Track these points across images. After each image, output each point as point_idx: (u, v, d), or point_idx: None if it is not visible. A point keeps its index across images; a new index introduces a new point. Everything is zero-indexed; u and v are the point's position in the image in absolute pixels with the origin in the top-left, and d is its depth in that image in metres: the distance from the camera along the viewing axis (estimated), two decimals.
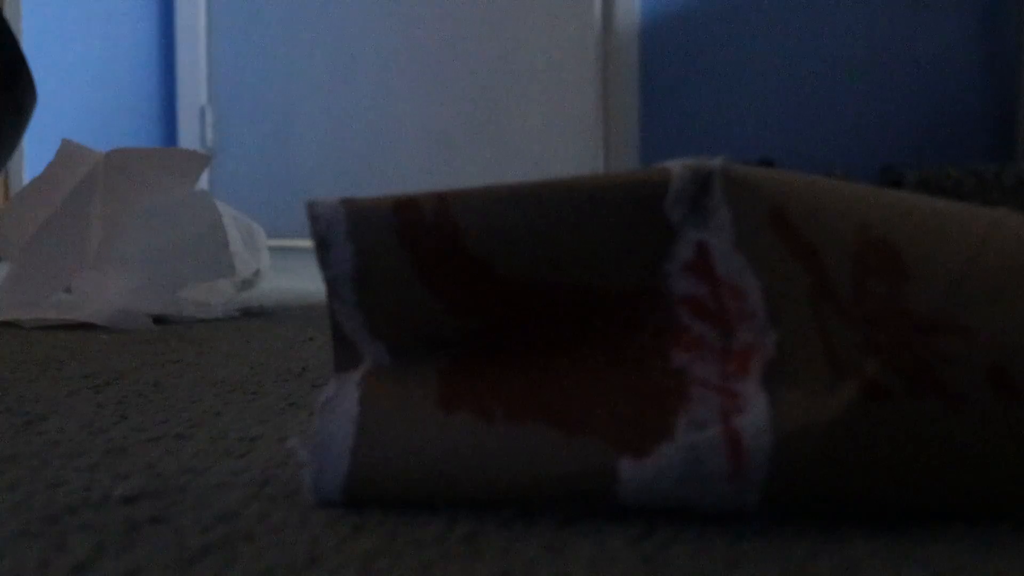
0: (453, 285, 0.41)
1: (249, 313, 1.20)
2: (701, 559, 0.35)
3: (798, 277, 0.39)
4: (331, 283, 0.41)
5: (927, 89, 3.11)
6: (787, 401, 0.37)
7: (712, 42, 3.14)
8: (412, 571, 0.33)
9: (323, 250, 0.41)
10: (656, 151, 3.16)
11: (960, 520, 0.38)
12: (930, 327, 0.36)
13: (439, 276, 0.41)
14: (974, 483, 0.37)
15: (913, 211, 0.38)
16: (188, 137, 3.48)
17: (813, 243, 0.38)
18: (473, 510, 0.40)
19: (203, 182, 3.48)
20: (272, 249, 3.17)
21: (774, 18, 3.13)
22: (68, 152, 1.12)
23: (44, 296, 1.09)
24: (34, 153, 3.14)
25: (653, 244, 0.41)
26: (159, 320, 1.08)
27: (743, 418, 0.37)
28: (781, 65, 3.13)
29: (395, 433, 0.40)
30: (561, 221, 0.40)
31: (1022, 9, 3.07)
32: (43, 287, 1.08)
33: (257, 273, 1.20)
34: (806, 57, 3.13)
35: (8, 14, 3.18)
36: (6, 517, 0.39)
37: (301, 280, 1.83)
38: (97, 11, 3.33)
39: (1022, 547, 0.36)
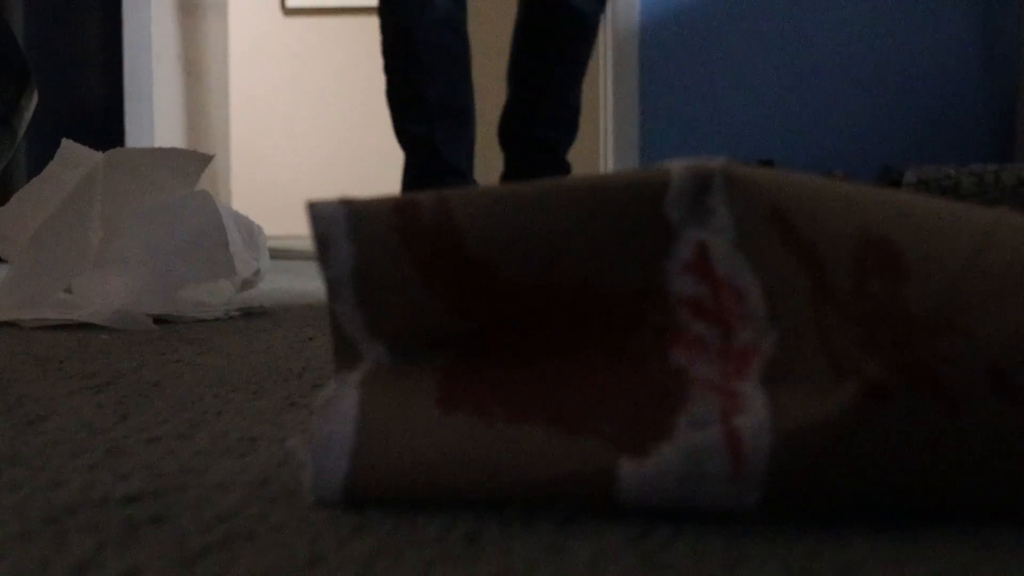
0: (453, 285, 0.41)
1: (249, 313, 1.20)
2: (701, 559, 0.35)
3: (798, 277, 0.39)
4: (331, 283, 0.41)
5: (927, 89, 3.11)
6: (787, 401, 0.37)
7: (712, 42, 3.14)
8: (412, 571, 0.33)
9: (323, 250, 0.41)
10: (656, 151, 3.16)
11: (960, 520, 0.38)
12: (930, 327, 0.36)
13: (439, 276, 0.41)
14: (974, 483, 0.37)
15: (913, 211, 0.38)
16: None
17: (813, 243, 0.38)
18: (473, 510, 0.40)
19: None
20: None
21: (774, 18, 3.13)
22: (68, 152, 1.12)
23: (44, 296, 1.08)
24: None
25: (653, 244, 0.41)
26: (159, 320, 1.08)
27: (743, 418, 0.37)
28: (781, 65, 3.13)
29: (395, 433, 0.40)
30: (561, 222, 0.40)
31: (1022, 9, 3.07)
32: (43, 287, 1.08)
33: (257, 273, 1.20)
34: (806, 57, 3.13)
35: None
36: (6, 517, 0.39)
37: (301, 280, 1.83)
38: None
39: (1022, 547, 0.36)
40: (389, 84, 2.02)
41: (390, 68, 2.00)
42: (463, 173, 2.01)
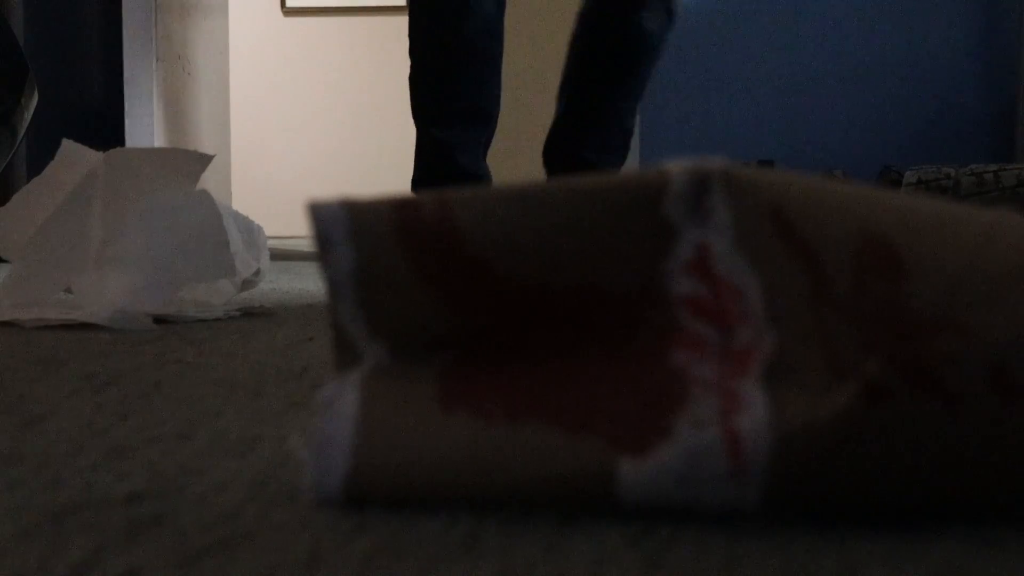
0: (453, 286, 0.41)
1: (249, 313, 1.20)
2: (701, 559, 0.35)
3: (798, 277, 0.39)
4: (331, 283, 0.41)
5: (927, 89, 3.11)
6: (787, 401, 0.37)
7: (712, 42, 3.14)
8: (412, 571, 0.33)
9: (323, 250, 0.41)
10: (656, 151, 3.16)
11: (960, 520, 0.38)
12: (930, 327, 0.36)
13: (439, 277, 0.41)
14: (974, 483, 0.37)
15: (913, 211, 0.38)
16: None
17: (813, 243, 0.38)
18: (473, 510, 0.40)
19: None
20: None
21: (774, 19, 3.13)
22: (68, 152, 1.12)
23: (44, 296, 1.08)
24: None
25: (653, 244, 0.41)
26: (159, 320, 1.08)
27: (743, 418, 0.37)
28: (781, 66, 3.13)
29: (395, 433, 0.40)
30: (561, 222, 0.40)
31: (1022, 9, 3.07)
32: (43, 287, 1.08)
33: (257, 273, 1.20)
34: (806, 58, 3.13)
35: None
36: (6, 517, 0.39)
37: (301, 280, 1.83)
38: None
39: (1022, 547, 0.36)
40: (415, 75, 1.91)
41: (417, 59, 1.88)
42: (476, 176, 1.95)
